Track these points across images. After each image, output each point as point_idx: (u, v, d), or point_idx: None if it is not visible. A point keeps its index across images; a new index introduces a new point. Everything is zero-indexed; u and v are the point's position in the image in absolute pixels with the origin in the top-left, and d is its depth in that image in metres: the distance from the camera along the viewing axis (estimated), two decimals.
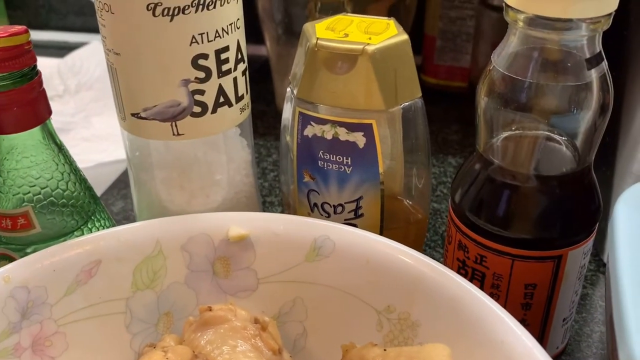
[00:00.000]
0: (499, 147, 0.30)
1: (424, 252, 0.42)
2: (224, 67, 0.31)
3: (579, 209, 0.29)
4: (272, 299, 0.32)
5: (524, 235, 0.29)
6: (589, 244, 0.30)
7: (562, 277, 0.30)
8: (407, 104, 0.32)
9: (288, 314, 0.32)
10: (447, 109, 0.59)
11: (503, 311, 0.27)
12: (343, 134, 0.31)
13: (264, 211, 0.46)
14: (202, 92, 0.30)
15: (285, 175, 0.36)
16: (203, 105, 0.31)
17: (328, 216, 0.34)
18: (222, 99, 0.31)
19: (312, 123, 0.32)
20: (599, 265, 0.41)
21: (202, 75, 0.30)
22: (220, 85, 0.31)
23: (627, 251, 0.23)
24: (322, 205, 0.34)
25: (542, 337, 0.31)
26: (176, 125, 0.31)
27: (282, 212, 0.45)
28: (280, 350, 0.29)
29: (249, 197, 0.35)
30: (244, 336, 0.29)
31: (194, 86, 0.30)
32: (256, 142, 0.55)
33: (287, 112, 0.34)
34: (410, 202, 0.36)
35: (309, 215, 0.35)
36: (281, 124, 0.35)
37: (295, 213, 0.36)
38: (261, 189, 0.49)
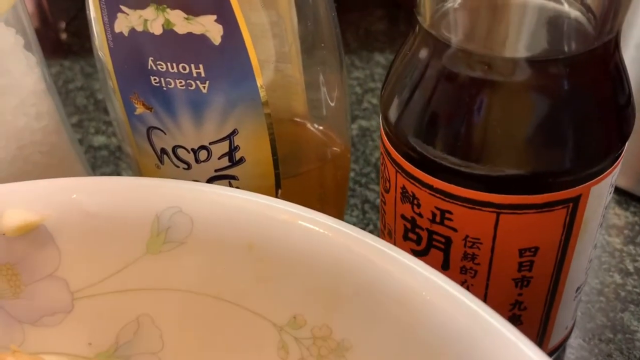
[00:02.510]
0: (458, 16, 0.16)
1: (347, 204, 0.29)
2: None
3: (603, 114, 0.17)
4: (102, 322, 0.19)
5: (513, 170, 0.16)
6: (617, 170, 0.18)
7: (579, 230, 0.17)
8: None
9: (132, 344, 0.19)
10: None
11: (489, 312, 0.14)
12: (181, 23, 0.17)
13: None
14: None
15: (112, 108, 0.22)
16: None
17: (188, 168, 0.21)
18: None
19: (123, 9, 0.18)
20: None
21: None
22: None
23: None
24: (174, 150, 0.20)
25: (545, 322, 0.20)
26: None
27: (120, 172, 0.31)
28: None
29: (49, 153, 0.21)
30: None
31: None
32: (62, 62, 0.39)
33: None
34: (321, 128, 0.23)
35: (157, 169, 0.21)
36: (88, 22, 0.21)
37: (137, 167, 0.22)
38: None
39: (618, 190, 0.29)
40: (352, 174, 0.30)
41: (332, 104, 0.22)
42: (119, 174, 0.31)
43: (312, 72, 0.22)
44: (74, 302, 0.19)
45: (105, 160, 0.32)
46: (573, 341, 0.23)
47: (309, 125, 0.23)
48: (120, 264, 0.18)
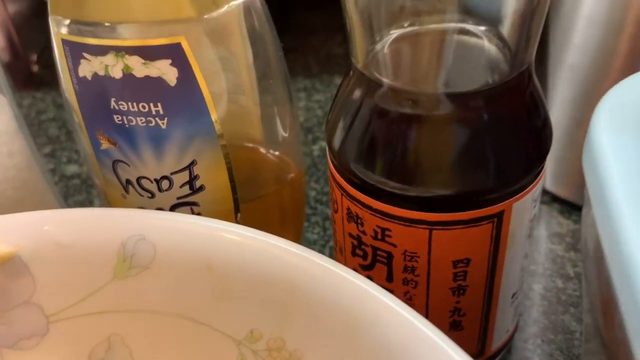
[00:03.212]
0: (386, 57, 0.18)
1: (307, 216, 0.31)
2: None
3: (521, 138, 0.18)
4: (75, 343, 0.20)
5: (442, 191, 0.18)
6: (538, 187, 0.20)
7: (506, 242, 0.19)
8: (236, 3, 0.20)
9: None
10: (327, 15, 0.47)
11: (418, 317, 0.16)
12: (139, 67, 0.19)
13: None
14: None
15: (79, 143, 0.23)
16: None
17: (152, 197, 0.22)
18: None
19: (85, 56, 0.19)
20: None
21: None
22: None
23: (626, 205, 0.13)
24: (138, 181, 0.22)
25: (485, 326, 0.21)
26: None
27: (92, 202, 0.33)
28: None
29: (21, 188, 0.22)
30: None
31: None
32: (34, 94, 0.41)
33: (53, 44, 0.21)
34: (276, 153, 0.24)
35: (123, 199, 0.23)
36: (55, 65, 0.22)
37: (105, 198, 0.24)
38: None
39: (561, 201, 0.31)
40: (313, 193, 0.32)
41: (285, 133, 0.24)
42: (91, 202, 0.32)
43: (266, 103, 0.24)
44: (49, 325, 0.20)
45: (77, 188, 0.33)
46: (517, 343, 0.25)
47: (264, 151, 0.24)
48: (91, 289, 0.20)
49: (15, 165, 0.22)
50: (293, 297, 0.18)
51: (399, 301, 0.17)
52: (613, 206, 0.13)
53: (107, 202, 0.24)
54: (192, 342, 0.20)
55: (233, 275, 0.19)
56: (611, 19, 0.27)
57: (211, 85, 0.20)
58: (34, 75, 0.43)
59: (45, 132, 0.37)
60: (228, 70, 0.22)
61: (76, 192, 0.33)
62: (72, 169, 0.34)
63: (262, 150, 0.25)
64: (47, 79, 0.42)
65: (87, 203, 0.32)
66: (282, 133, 0.24)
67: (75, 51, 0.19)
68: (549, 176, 0.31)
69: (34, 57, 0.44)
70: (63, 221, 0.20)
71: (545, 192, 0.31)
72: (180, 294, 0.20)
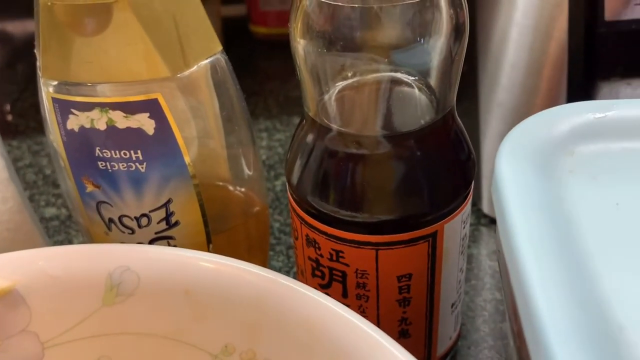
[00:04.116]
0: (333, 106, 0.22)
1: (271, 246, 0.34)
2: None
3: (448, 169, 0.22)
4: None
5: (384, 216, 0.21)
6: (467, 209, 0.23)
7: (442, 257, 0.23)
8: (204, 63, 0.23)
9: None
10: (284, 61, 0.51)
11: (375, 329, 0.19)
12: (120, 120, 0.22)
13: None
14: None
15: (64, 187, 0.26)
16: None
17: (132, 233, 0.25)
18: None
19: (73, 111, 0.22)
20: (479, 216, 0.35)
21: None
22: None
23: (522, 224, 0.16)
24: (120, 219, 0.25)
25: (429, 333, 0.25)
26: None
27: (78, 232, 0.35)
28: None
29: (14, 229, 0.25)
30: None
31: None
32: (10, 142, 0.43)
33: (43, 101, 0.24)
34: (242, 190, 0.28)
35: (106, 235, 0.26)
36: (42, 118, 0.25)
37: (89, 235, 0.26)
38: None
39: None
40: (277, 224, 0.35)
41: (250, 171, 0.27)
42: (70, 241, 0.35)
43: (232, 146, 0.27)
44: (44, 350, 0.23)
45: (56, 229, 0.36)
46: (462, 349, 0.28)
47: (232, 188, 0.27)
48: (82, 316, 0.23)
49: (8, 210, 0.24)
50: (262, 314, 0.21)
51: (353, 312, 0.20)
52: (510, 222, 0.16)
53: (91, 239, 0.27)
54: (172, 359, 0.22)
55: (208, 298, 0.22)
56: (532, 63, 0.32)
57: (184, 132, 0.23)
58: (9, 124, 0.45)
59: (23, 178, 0.39)
60: (198, 118, 0.25)
61: (55, 232, 0.35)
62: (50, 211, 0.37)
63: (230, 187, 0.28)
64: (21, 127, 0.44)
65: (67, 242, 0.34)
66: (247, 171, 0.27)
67: (64, 108, 0.22)
68: (486, 202, 0.34)
69: (7, 107, 0.47)
70: (55, 256, 0.23)
71: (484, 215, 0.35)
72: (161, 317, 0.22)
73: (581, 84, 0.31)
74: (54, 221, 0.36)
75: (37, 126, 0.45)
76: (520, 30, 0.31)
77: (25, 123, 0.45)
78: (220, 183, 0.28)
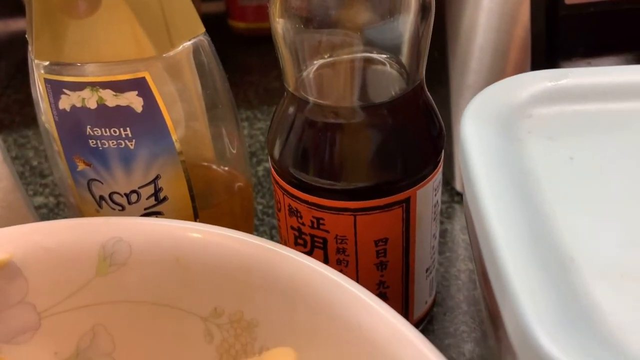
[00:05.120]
0: (311, 81, 0.23)
1: (255, 227, 0.35)
2: None
3: (419, 137, 0.24)
4: (64, 334, 0.24)
5: (361, 183, 0.23)
6: (437, 177, 0.25)
7: (415, 222, 0.24)
8: (188, 44, 0.24)
9: (90, 349, 0.24)
10: (262, 55, 0.53)
11: (354, 285, 0.21)
12: (110, 98, 0.23)
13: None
14: None
15: (56, 168, 0.27)
16: None
17: (122, 209, 0.26)
18: None
19: (65, 91, 0.23)
20: (452, 194, 0.37)
21: None
22: None
23: (485, 177, 0.17)
24: (110, 196, 0.26)
25: (406, 296, 0.26)
26: None
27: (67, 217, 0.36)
28: None
29: (8, 207, 0.26)
30: None
31: None
32: (2, 137, 0.44)
33: (34, 83, 0.25)
34: (226, 169, 0.29)
35: (97, 213, 0.27)
36: (34, 101, 0.26)
37: (80, 214, 0.28)
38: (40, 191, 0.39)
39: None
40: (260, 207, 0.37)
41: (234, 151, 0.29)
42: None
43: (216, 127, 0.28)
44: (41, 320, 0.24)
45: (45, 217, 0.37)
46: (437, 315, 0.30)
47: (216, 167, 0.29)
48: (77, 286, 0.24)
49: (2, 189, 0.25)
50: (249, 278, 0.22)
51: (333, 270, 0.21)
52: (474, 176, 0.18)
53: None
54: (165, 324, 0.24)
55: (197, 265, 0.23)
56: (499, 46, 0.33)
57: (171, 113, 0.25)
58: None
59: None
60: (183, 101, 0.27)
61: (44, 220, 0.36)
62: (38, 200, 0.38)
63: (215, 167, 0.29)
64: (6, 122, 0.45)
65: None
66: (231, 150, 0.28)
67: (56, 88, 0.24)
68: (459, 180, 0.36)
69: None
70: (49, 230, 0.24)
71: (457, 193, 0.37)
72: (153, 284, 0.23)
73: (544, 64, 0.33)
74: (43, 209, 0.37)
75: (22, 120, 0.45)
76: (488, 15, 0.33)
77: (10, 118, 0.46)
78: (206, 163, 0.29)
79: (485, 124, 0.20)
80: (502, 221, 0.16)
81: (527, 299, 0.14)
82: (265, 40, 0.55)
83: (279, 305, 0.22)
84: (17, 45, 0.52)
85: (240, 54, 0.53)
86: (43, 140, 0.27)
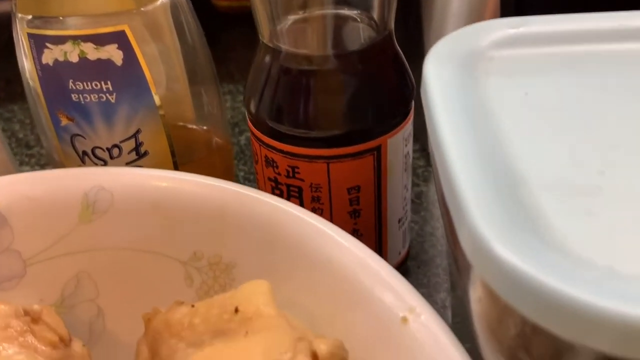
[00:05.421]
0: (285, 33, 0.24)
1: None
2: None
3: (389, 87, 0.25)
4: (49, 281, 0.25)
5: (335, 131, 0.24)
6: (408, 128, 0.26)
7: (386, 171, 0.25)
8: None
9: (74, 295, 0.25)
10: (245, 33, 0.53)
11: (325, 224, 0.22)
12: (91, 52, 0.24)
13: None
14: None
15: (40, 125, 0.28)
16: None
17: (105, 164, 0.27)
18: None
19: (48, 45, 0.24)
20: (429, 160, 0.38)
21: None
22: None
23: (443, 110, 0.19)
24: (93, 151, 0.27)
25: (379, 245, 0.27)
26: None
27: None
28: (65, 340, 0.22)
29: None
30: (8, 336, 0.22)
31: None
32: None
33: (18, 42, 0.26)
34: (205, 127, 0.30)
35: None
36: (18, 62, 0.27)
37: None
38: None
39: None
40: (242, 173, 0.38)
41: (213, 110, 0.29)
42: None
43: (195, 86, 0.29)
44: (26, 268, 0.25)
45: None
46: (411, 268, 0.31)
47: (196, 127, 0.30)
48: (61, 234, 0.25)
49: None
50: (227, 222, 0.23)
51: (306, 211, 0.22)
52: (435, 114, 0.19)
53: None
54: (147, 269, 0.25)
55: (177, 211, 0.24)
56: (473, 12, 0.34)
57: (152, 72, 0.26)
58: None
59: None
60: (164, 63, 0.27)
61: None
62: (25, 169, 0.39)
63: (194, 126, 0.30)
64: None
65: None
66: (210, 109, 0.29)
67: (39, 42, 0.24)
68: None
69: None
70: (34, 180, 0.25)
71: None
72: (134, 231, 0.24)
73: None
74: None
75: (8, 96, 0.46)
76: None
77: None
78: (185, 123, 0.30)
79: (446, 65, 0.21)
80: (458, 147, 0.17)
81: (479, 210, 0.15)
82: (247, 17, 0.56)
83: (255, 246, 0.23)
84: (2, 25, 0.53)
85: (224, 32, 0.54)
86: (29, 106, 0.28)
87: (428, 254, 0.32)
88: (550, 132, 0.18)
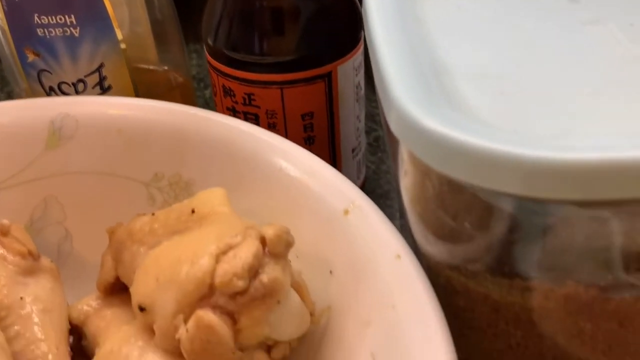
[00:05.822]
0: None
1: None
2: None
3: (339, 14, 0.26)
4: (18, 205, 0.26)
5: (288, 57, 0.25)
6: (358, 57, 0.27)
7: (338, 98, 0.27)
8: None
9: (42, 219, 0.26)
10: None
11: (276, 138, 0.23)
12: None
13: None
14: None
15: (7, 63, 0.29)
16: None
17: None
18: None
19: None
20: None
21: None
22: None
23: (379, 18, 0.20)
24: (59, 86, 0.28)
25: None
26: None
27: None
28: (34, 255, 0.24)
29: None
30: None
31: None
32: None
33: None
34: (166, 68, 0.31)
35: None
36: None
37: None
38: None
39: None
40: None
41: (173, 51, 0.31)
42: None
43: (158, 31, 0.30)
44: None
45: None
46: None
47: (158, 68, 0.31)
48: (29, 159, 0.26)
49: None
50: (185, 143, 0.25)
51: (259, 128, 0.24)
52: (371, 26, 0.20)
53: None
54: (111, 191, 0.26)
55: (138, 134, 0.25)
56: None
57: (117, 14, 0.27)
58: None
59: None
60: (128, 5, 0.29)
61: None
62: None
63: (157, 67, 0.31)
64: None
65: None
66: (171, 51, 0.31)
67: None
68: None
69: None
70: (1, 109, 0.26)
71: None
72: (98, 154, 0.26)
73: None
74: None
75: None
76: None
77: None
78: (148, 65, 0.31)
79: None
80: (389, 44, 0.19)
81: (404, 91, 0.17)
82: None
83: (212, 164, 0.24)
84: None
85: None
86: None
87: (383, 189, 0.33)
88: (474, 36, 0.20)
